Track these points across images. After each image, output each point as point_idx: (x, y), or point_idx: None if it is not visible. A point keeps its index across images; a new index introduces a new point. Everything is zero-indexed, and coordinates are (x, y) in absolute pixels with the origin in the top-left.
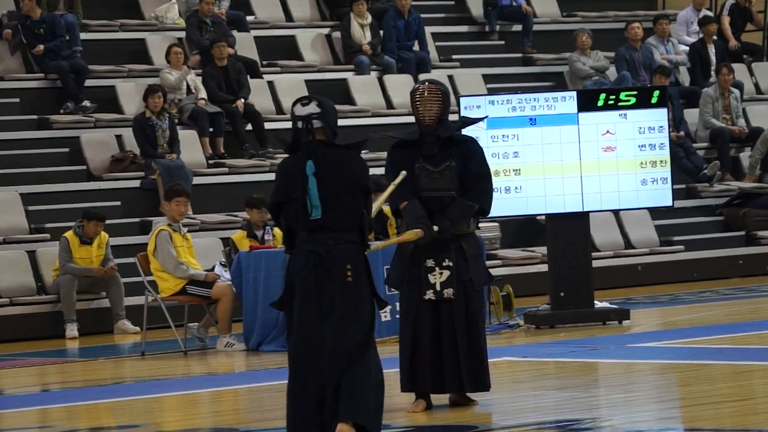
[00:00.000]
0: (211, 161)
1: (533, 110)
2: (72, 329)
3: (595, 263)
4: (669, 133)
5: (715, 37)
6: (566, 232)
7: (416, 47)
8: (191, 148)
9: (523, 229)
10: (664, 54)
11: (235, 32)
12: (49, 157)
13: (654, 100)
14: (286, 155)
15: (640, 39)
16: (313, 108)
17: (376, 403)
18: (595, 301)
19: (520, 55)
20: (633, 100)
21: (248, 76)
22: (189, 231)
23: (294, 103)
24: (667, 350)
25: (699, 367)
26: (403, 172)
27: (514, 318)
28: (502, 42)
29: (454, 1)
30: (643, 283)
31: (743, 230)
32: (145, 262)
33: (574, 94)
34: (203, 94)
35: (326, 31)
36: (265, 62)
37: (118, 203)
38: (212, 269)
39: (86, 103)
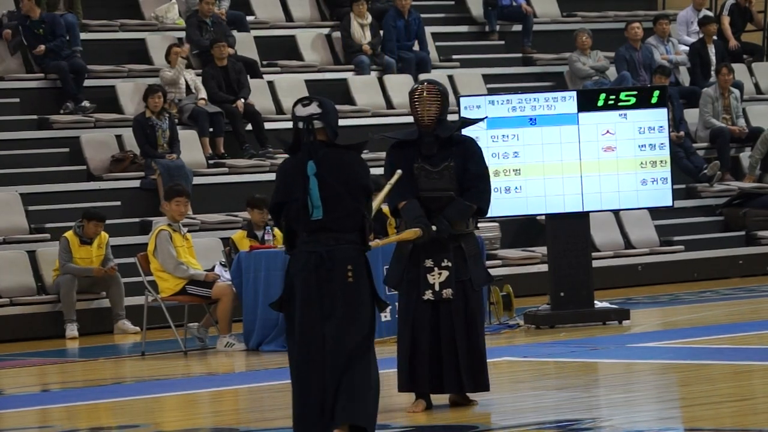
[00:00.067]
0: (211, 161)
1: (533, 110)
2: (72, 329)
3: (595, 263)
4: (669, 133)
5: (715, 37)
6: (566, 232)
7: (416, 47)
8: (191, 148)
9: (523, 229)
10: (664, 54)
11: (235, 32)
12: (49, 157)
13: (654, 100)
14: (287, 156)
15: (640, 39)
16: (314, 108)
17: (375, 405)
18: (595, 301)
19: (520, 55)
20: (633, 100)
21: (248, 76)
22: (189, 231)
23: (295, 104)
24: (667, 350)
25: (699, 367)
26: (399, 171)
27: (514, 318)
28: (502, 42)
29: (454, 1)
30: (643, 283)
31: (743, 230)
32: (145, 262)
33: (574, 94)
34: (203, 94)
35: (326, 31)
36: (265, 62)
37: (118, 203)
38: (212, 269)
39: (85, 103)
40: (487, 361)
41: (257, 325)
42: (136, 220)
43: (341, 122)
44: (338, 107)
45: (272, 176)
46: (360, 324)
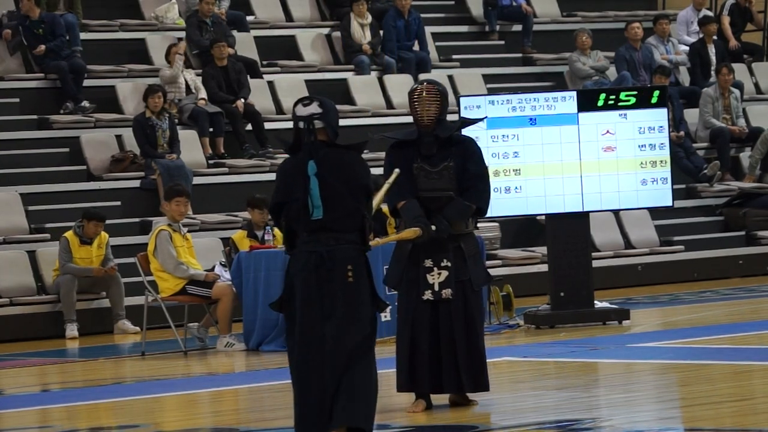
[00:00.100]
0: (211, 161)
1: (533, 110)
2: (72, 329)
3: (595, 263)
4: (669, 133)
5: (715, 37)
6: (566, 232)
7: (416, 47)
8: (191, 148)
9: (523, 229)
10: (664, 54)
11: (235, 32)
12: (49, 157)
13: (654, 100)
14: (287, 156)
15: (640, 39)
16: (314, 108)
17: (374, 406)
18: (595, 301)
19: (520, 55)
20: (633, 100)
21: (248, 76)
22: (189, 231)
23: (295, 104)
24: (667, 350)
25: (699, 367)
26: (396, 170)
27: (514, 318)
28: (502, 42)
29: (454, 1)
30: (643, 283)
31: (743, 230)
32: (145, 262)
33: (574, 94)
34: (203, 94)
35: (326, 31)
36: (265, 62)
37: (118, 203)
38: (212, 269)
39: (85, 103)
40: (487, 361)
41: (257, 325)
42: (136, 220)
43: (341, 122)
44: (338, 107)
45: (272, 176)
46: (361, 324)
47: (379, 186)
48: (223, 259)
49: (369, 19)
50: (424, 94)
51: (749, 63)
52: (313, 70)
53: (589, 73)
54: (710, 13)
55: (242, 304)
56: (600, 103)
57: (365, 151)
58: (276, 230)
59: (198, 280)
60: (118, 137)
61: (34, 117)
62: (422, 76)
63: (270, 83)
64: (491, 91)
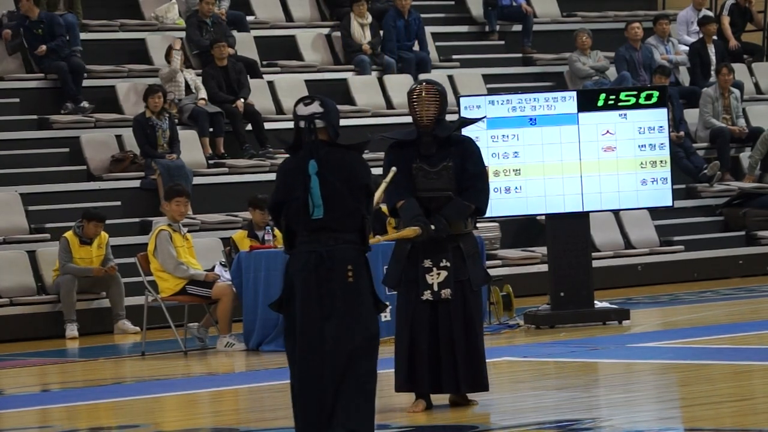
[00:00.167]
0: (211, 161)
1: (533, 110)
2: (72, 329)
3: (595, 263)
4: (669, 133)
5: (715, 37)
6: (566, 232)
7: (416, 47)
8: (191, 148)
9: (523, 229)
10: (664, 54)
11: (235, 32)
12: (49, 157)
13: (654, 100)
14: (287, 155)
15: (640, 39)
16: (315, 107)
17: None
18: (595, 301)
19: (520, 55)
20: (633, 100)
21: (248, 76)
22: (189, 231)
23: (296, 103)
24: (667, 350)
25: (699, 367)
26: (393, 169)
27: (514, 318)
28: (502, 42)
29: (454, 1)
30: (643, 283)
31: (743, 230)
32: (145, 262)
33: (574, 94)
34: (203, 94)
35: (326, 31)
36: (265, 62)
37: (118, 203)
38: (212, 269)
39: (84, 104)
40: (487, 361)
41: (257, 325)
42: (136, 220)
43: (341, 122)
44: (338, 107)
45: (272, 176)
46: (361, 325)
47: (377, 185)
48: (223, 259)
49: (369, 19)
50: (423, 94)
51: (749, 63)
52: (313, 70)
53: (589, 73)
54: (710, 13)
55: (242, 304)
56: (600, 103)
57: (365, 151)
58: (277, 230)
59: (198, 280)
60: (118, 137)
61: (34, 117)
62: (422, 76)
63: (270, 83)
64: (491, 91)
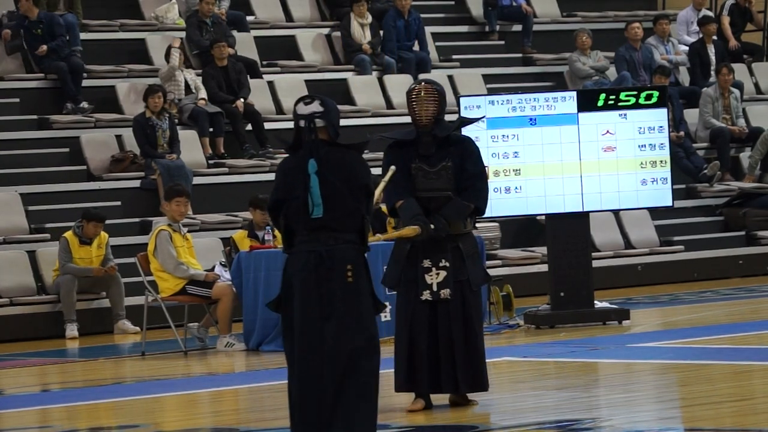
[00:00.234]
0: (211, 161)
1: (533, 110)
2: (72, 329)
3: (595, 263)
4: (669, 133)
5: (715, 37)
6: (566, 232)
7: (416, 47)
8: (191, 148)
9: (523, 229)
10: (664, 54)
11: (235, 32)
12: (49, 157)
13: (654, 100)
14: (287, 155)
15: (640, 39)
16: (315, 107)
17: (376, 409)
18: (595, 301)
19: (520, 55)
20: (633, 100)
21: (248, 76)
22: (189, 231)
23: (296, 102)
24: (667, 350)
25: (699, 367)
26: (392, 167)
27: (514, 318)
28: (502, 42)
29: (454, 1)
30: (643, 283)
31: (743, 230)
32: (145, 262)
33: (574, 94)
34: (203, 94)
35: (326, 31)
36: (265, 62)
37: (118, 203)
38: (212, 269)
39: (84, 104)
40: (487, 361)
41: (257, 325)
42: (136, 220)
43: (341, 122)
44: (338, 107)
45: (272, 176)
46: (361, 325)
47: (376, 184)
48: (223, 259)
49: (369, 19)
50: (422, 94)
51: (749, 63)
52: (313, 70)
53: (589, 73)
54: (710, 13)
55: (242, 304)
56: (600, 103)
57: (365, 151)
58: (277, 230)
59: (198, 280)
60: (118, 137)
61: (34, 117)
62: (422, 76)
63: (270, 83)
64: (491, 91)
